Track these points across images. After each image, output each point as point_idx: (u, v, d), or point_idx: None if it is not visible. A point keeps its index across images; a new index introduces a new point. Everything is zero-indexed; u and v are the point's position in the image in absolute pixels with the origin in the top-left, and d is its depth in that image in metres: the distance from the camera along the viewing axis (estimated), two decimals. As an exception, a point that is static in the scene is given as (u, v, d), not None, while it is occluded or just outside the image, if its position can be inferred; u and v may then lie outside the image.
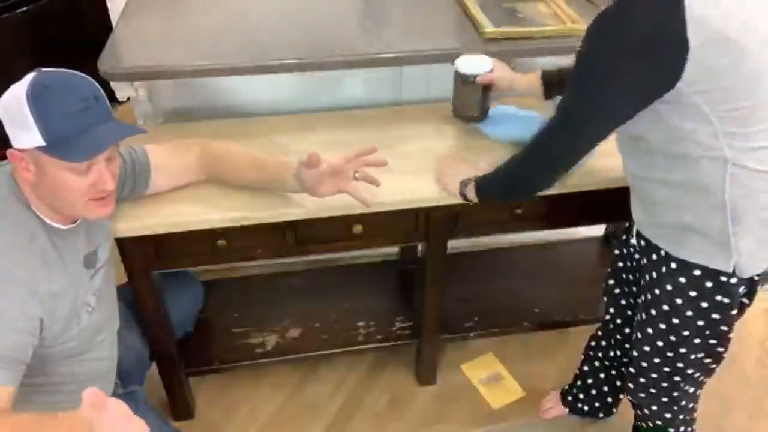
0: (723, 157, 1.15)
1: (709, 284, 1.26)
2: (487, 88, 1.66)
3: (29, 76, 1.08)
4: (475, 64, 1.64)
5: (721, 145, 1.14)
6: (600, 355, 1.79)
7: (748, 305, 1.33)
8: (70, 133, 1.08)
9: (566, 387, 1.96)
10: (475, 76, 1.63)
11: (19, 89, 1.07)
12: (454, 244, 1.76)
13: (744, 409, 2.04)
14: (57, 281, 1.17)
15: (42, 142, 1.07)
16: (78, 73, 1.13)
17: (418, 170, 1.61)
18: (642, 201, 1.35)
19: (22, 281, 1.11)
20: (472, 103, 1.69)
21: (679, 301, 1.30)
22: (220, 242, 1.55)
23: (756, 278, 1.26)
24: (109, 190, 1.18)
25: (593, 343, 1.81)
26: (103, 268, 1.34)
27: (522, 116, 1.72)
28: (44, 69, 1.09)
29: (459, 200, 1.51)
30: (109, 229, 1.39)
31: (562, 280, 2.21)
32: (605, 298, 1.68)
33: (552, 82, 1.57)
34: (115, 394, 1.43)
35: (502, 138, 1.69)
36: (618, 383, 1.82)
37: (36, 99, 1.06)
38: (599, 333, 1.78)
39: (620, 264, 1.59)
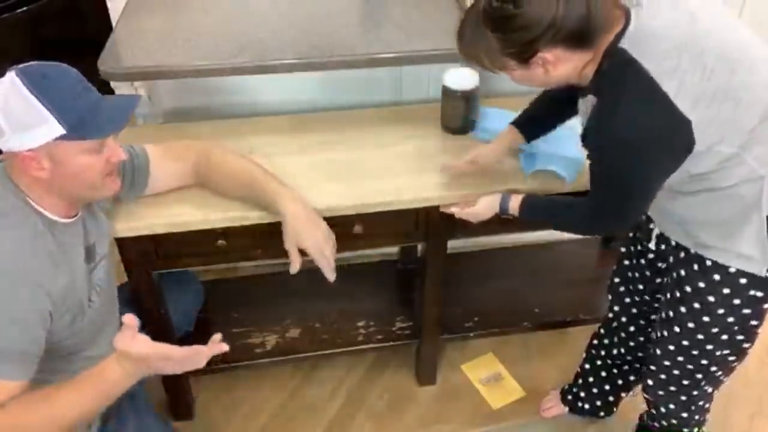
0: (758, 176, 1.16)
1: (743, 280, 1.26)
2: (471, 101, 1.69)
3: (10, 76, 1.07)
4: (461, 79, 1.67)
5: (754, 168, 1.16)
6: (602, 353, 1.79)
7: None
8: (85, 113, 1.10)
9: (567, 386, 1.96)
10: (459, 92, 1.67)
11: (10, 91, 1.06)
12: (454, 244, 1.76)
13: (746, 407, 2.04)
14: (62, 276, 1.18)
15: (62, 131, 1.08)
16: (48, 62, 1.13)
17: (418, 170, 1.61)
18: (671, 221, 1.35)
19: (31, 278, 1.12)
20: (456, 115, 1.72)
21: (711, 298, 1.30)
22: (220, 242, 1.55)
23: None
24: (123, 159, 1.23)
25: (595, 341, 1.81)
26: (102, 262, 1.34)
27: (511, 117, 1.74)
28: (17, 66, 1.09)
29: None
30: (106, 224, 1.39)
31: (562, 280, 2.21)
32: (609, 296, 1.68)
33: (526, 126, 1.57)
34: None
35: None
36: (620, 381, 1.82)
37: (42, 91, 1.06)
38: (602, 331, 1.78)
39: (626, 262, 1.59)
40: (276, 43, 1.71)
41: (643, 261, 1.53)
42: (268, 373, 2.08)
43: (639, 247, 1.53)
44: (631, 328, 1.66)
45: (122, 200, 1.46)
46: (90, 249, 1.30)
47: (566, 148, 1.62)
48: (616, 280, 1.64)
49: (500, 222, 1.68)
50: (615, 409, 1.92)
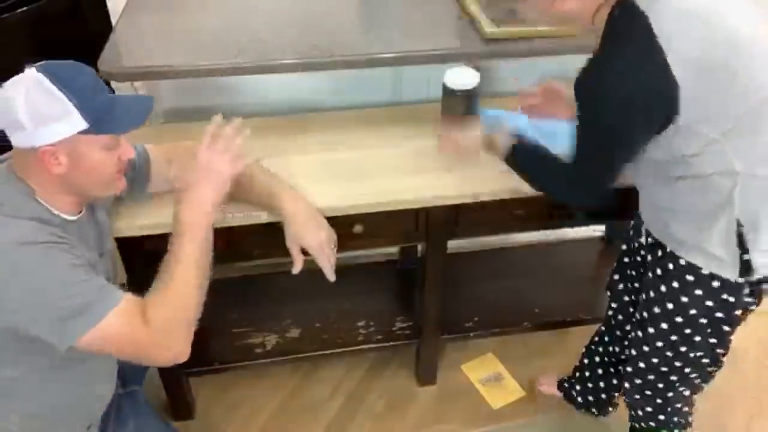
0: (733, 171, 1.16)
1: (716, 284, 1.26)
2: (471, 100, 1.68)
3: (31, 72, 1.08)
4: (462, 78, 1.66)
5: (730, 159, 1.15)
6: (600, 350, 1.80)
7: (753, 306, 1.32)
8: (106, 109, 1.12)
9: (565, 377, 1.98)
10: (459, 91, 1.66)
11: (33, 85, 1.06)
12: (454, 244, 1.76)
13: (744, 408, 2.04)
14: (87, 255, 1.19)
15: (85, 125, 1.09)
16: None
17: (418, 170, 1.61)
18: (652, 211, 1.36)
19: (58, 243, 1.12)
20: (456, 115, 1.71)
21: (684, 299, 1.30)
22: (220, 242, 1.54)
23: (763, 278, 1.25)
24: (132, 158, 1.26)
25: (596, 338, 1.82)
26: (104, 258, 1.34)
27: (513, 118, 1.73)
28: (37, 64, 1.09)
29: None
30: (107, 222, 1.39)
31: (562, 280, 2.21)
32: (608, 292, 1.69)
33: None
34: (115, 394, 1.43)
35: None
36: (614, 381, 1.82)
37: (65, 85, 1.07)
38: (602, 328, 1.79)
39: (626, 259, 1.59)
40: (276, 43, 1.71)
41: (638, 258, 1.53)
42: (268, 373, 2.08)
43: (636, 245, 1.53)
44: (627, 327, 1.67)
45: (123, 200, 1.46)
46: (97, 242, 1.30)
47: (562, 140, 1.63)
48: (615, 276, 1.65)
49: (501, 222, 1.69)
50: (610, 410, 1.92)
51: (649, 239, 1.41)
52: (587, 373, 1.87)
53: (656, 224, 1.35)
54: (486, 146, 1.46)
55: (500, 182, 1.58)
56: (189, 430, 1.93)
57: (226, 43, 1.69)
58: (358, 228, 1.59)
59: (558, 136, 1.61)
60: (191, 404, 1.97)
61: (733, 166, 1.16)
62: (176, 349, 1.19)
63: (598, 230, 2.40)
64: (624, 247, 1.60)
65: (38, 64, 1.10)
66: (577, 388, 1.92)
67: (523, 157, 1.41)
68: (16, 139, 1.10)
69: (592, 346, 1.84)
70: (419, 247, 2.00)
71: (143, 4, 1.87)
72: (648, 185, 1.32)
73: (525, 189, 1.57)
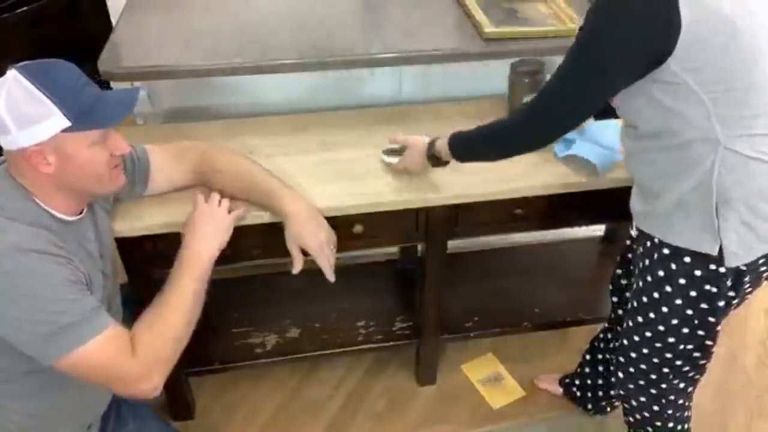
0: (715, 139, 1.15)
1: (698, 273, 1.26)
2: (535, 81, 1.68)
3: (12, 73, 1.07)
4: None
5: (714, 128, 1.14)
6: (602, 346, 1.81)
7: (736, 301, 1.31)
8: (89, 105, 1.11)
9: (567, 373, 1.99)
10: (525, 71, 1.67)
11: (14, 86, 1.06)
12: (454, 244, 1.76)
13: (745, 408, 2.04)
14: (81, 265, 1.18)
15: (67, 123, 1.08)
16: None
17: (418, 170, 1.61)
18: (638, 187, 1.37)
19: (56, 254, 1.11)
20: (522, 96, 1.70)
21: (668, 288, 1.31)
22: (220, 242, 1.55)
23: (744, 269, 1.24)
24: (126, 152, 1.25)
25: (601, 335, 1.83)
26: (105, 257, 1.33)
27: None
28: (18, 65, 1.09)
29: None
30: (107, 222, 1.39)
31: (562, 280, 2.21)
32: (611, 287, 1.69)
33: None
34: (115, 394, 1.43)
35: None
36: (613, 380, 1.82)
37: (45, 84, 1.07)
38: (606, 324, 1.80)
39: (629, 255, 1.60)
40: (276, 43, 1.71)
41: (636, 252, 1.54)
42: (268, 373, 2.08)
43: (630, 239, 1.54)
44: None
45: (123, 200, 1.46)
46: (97, 243, 1.30)
47: (603, 138, 1.61)
48: (618, 271, 1.67)
49: (501, 222, 1.69)
50: (608, 410, 1.93)
51: (638, 230, 1.42)
52: (587, 370, 1.88)
53: (640, 207, 1.35)
54: (432, 160, 1.48)
55: (500, 182, 1.58)
56: (189, 430, 1.93)
57: (226, 43, 1.69)
58: (358, 228, 1.59)
59: (599, 129, 1.61)
60: (191, 404, 1.97)
61: (716, 135, 1.14)
62: (156, 381, 1.20)
63: (598, 230, 2.40)
64: (628, 242, 1.61)
65: (18, 64, 1.09)
66: (577, 382, 1.93)
67: (464, 143, 1.41)
68: (3, 143, 1.10)
69: (595, 343, 1.84)
70: (419, 247, 2.00)
71: (143, 4, 1.88)
72: (633, 161, 1.32)
73: (525, 189, 1.57)
